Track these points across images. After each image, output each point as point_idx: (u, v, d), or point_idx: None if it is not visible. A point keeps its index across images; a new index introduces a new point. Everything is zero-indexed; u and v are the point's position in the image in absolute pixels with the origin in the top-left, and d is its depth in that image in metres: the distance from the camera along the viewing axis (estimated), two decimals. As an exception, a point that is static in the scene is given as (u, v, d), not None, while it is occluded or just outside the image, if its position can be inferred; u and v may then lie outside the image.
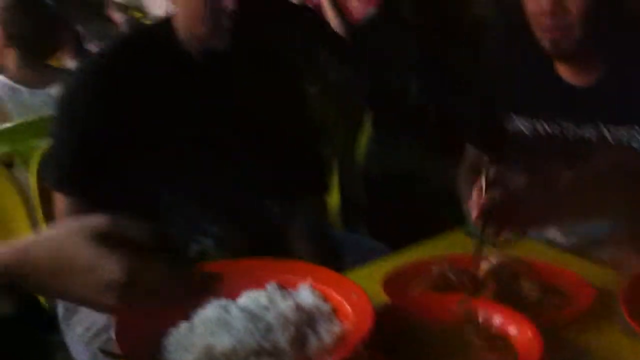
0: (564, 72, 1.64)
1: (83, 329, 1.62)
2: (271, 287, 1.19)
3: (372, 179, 2.66)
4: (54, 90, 2.38)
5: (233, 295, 1.17)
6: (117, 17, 4.13)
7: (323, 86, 2.64)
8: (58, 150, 1.65)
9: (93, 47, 3.42)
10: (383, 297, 1.27)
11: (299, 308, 1.13)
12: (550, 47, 1.58)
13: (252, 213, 1.73)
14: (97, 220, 0.92)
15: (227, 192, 1.65)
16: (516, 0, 1.61)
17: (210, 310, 1.12)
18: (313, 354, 1.08)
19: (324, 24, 3.15)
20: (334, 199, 2.33)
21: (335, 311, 1.16)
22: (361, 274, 1.44)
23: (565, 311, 1.26)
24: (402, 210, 2.48)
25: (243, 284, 1.20)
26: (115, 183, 1.58)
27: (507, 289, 1.30)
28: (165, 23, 1.64)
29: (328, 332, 1.11)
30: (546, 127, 1.66)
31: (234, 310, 1.12)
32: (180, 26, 1.59)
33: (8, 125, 2.26)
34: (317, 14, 3.23)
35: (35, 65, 2.48)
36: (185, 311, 1.12)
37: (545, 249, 1.57)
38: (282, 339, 1.07)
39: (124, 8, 4.23)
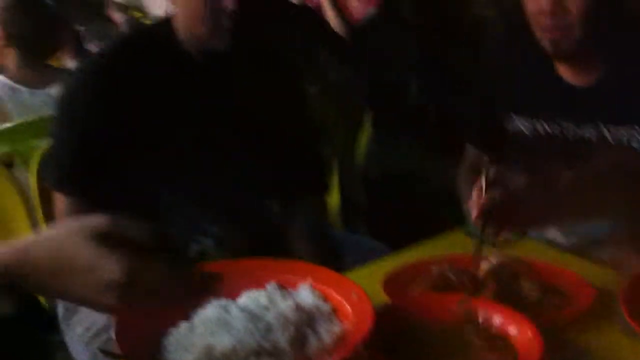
0: (564, 72, 1.64)
1: (83, 329, 1.62)
2: (271, 287, 1.19)
3: (371, 179, 2.66)
4: (54, 90, 2.38)
5: (233, 295, 1.17)
6: (117, 17, 4.13)
7: (323, 86, 2.64)
8: (58, 150, 1.65)
9: (93, 47, 3.42)
10: (383, 297, 1.27)
11: (298, 308, 1.13)
12: (550, 47, 1.58)
13: (252, 213, 1.73)
14: (97, 220, 0.92)
15: (227, 192, 1.65)
16: (516, 0, 1.61)
17: (210, 310, 1.12)
18: (313, 354, 1.08)
19: (324, 23, 3.15)
20: (334, 199, 2.33)
21: (335, 311, 1.16)
22: (361, 274, 1.44)
23: (565, 311, 1.26)
24: (402, 210, 2.48)
25: (243, 284, 1.20)
26: (115, 183, 1.58)
27: (507, 289, 1.30)
28: (165, 23, 1.64)
29: (328, 332, 1.11)
30: (546, 127, 1.66)
31: (234, 310, 1.12)
32: (180, 26, 1.59)
33: (8, 125, 2.26)
34: (317, 14, 3.23)
35: (35, 65, 2.48)
36: (185, 311, 1.12)
37: (546, 249, 1.57)
38: (282, 339, 1.07)
39: (124, 8, 4.23)
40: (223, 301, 1.14)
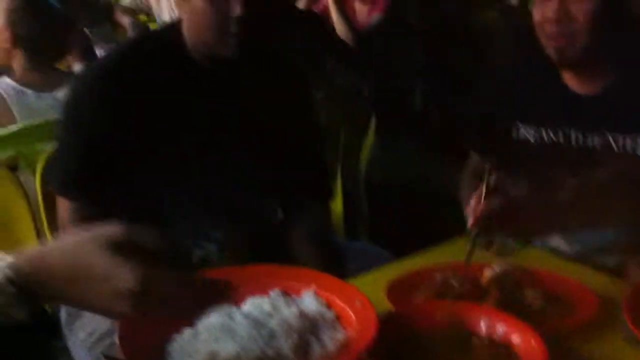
0: (570, 80, 1.64)
1: (86, 334, 1.62)
2: (275, 293, 1.19)
3: (375, 185, 2.66)
4: (61, 94, 2.38)
5: (237, 302, 1.17)
6: (124, 21, 4.14)
7: (329, 92, 2.64)
8: (63, 155, 1.65)
9: (100, 50, 3.43)
10: (386, 305, 1.27)
11: (302, 315, 1.13)
12: (555, 54, 1.58)
13: (256, 218, 1.73)
14: (112, 229, 0.93)
15: (231, 197, 1.65)
16: (522, 7, 1.61)
17: (214, 317, 1.12)
18: (316, 361, 1.08)
19: (330, 29, 3.16)
20: (337, 205, 2.33)
21: (339, 318, 1.16)
22: (365, 281, 1.44)
23: (569, 319, 1.26)
24: (405, 217, 2.48)
25: (247, 291, 1.19)
26: (119, 188, 1.58)
27: (510, 297, 1.30)
28: (172, 28, 1.64)
29: (331, 339, 1.11)
30: (551, 135, 1.66)
31: (237, 316, 1.12)
32: (187, 32, 1.59)
33: (13, 128, 2.26)
34: (323, 19, 3.23)
35: (42, 68, 2.48)
36: (190, 317, 1.12)
37: (549, 257, 1.57)
38: (286, 345, 1.07)
39: (131, 12, 4.24)
40: (227, 308, 1.14)
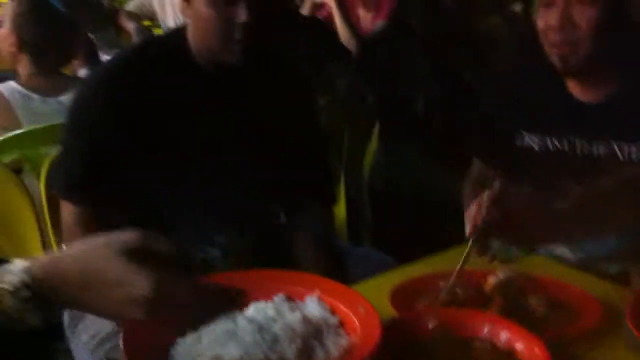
0: (574, 88, 1.64)
1: (88, 336, 1.62)
2: (278, 298, 1.19)
3: (378, 190, 2.66)
4: (66, 98, 2.38)
5: (241, 307, 1.17)
6: (129, 26, 4.14)
7: (332, 98, 2.65)
8: (67, 159, 1.66)
9: (105, 55, 3.43)
10: (390, 311, 1.27)
11: (306, 320, 1.13)
12: (559, 62, 1.58)
13: (259, 223, 1.73)
14: (127, 236, 0.93)
15: (234, 202, 1.65)
16: (526, 15, 1.62)
17: (218, 321, 1.12)
18: (320, 367, 1.08)
19: (334, 36, 3.16)
20: (340, 211, 2.33)
21: (343, 324, 1.16)
22: (368, 286, 1.44)
23: (572, 327, 1.26)
24: (408, 223, 2.48)
25: (251, 295, 1.19)
26: (123, 192, 1.58)
27: (514, 304, 1.30)
28: (177, 34, 1.64)
29: (335, 344, 1.11)
30: (556, 143, 1.66)
31: (241, 321, 1.11)
32: (192, 38, 1.60)
33: (18, 131, 2.27)
34: (327, 26, 3.24)
35: (47, 73, 2.48)
36: (199, 323, 1.12)
37: (553, 264, 1.57)
38: (289, 350, 1.07)
39: (135, 17, 4.24)
40: (231, 312, 1.14)
